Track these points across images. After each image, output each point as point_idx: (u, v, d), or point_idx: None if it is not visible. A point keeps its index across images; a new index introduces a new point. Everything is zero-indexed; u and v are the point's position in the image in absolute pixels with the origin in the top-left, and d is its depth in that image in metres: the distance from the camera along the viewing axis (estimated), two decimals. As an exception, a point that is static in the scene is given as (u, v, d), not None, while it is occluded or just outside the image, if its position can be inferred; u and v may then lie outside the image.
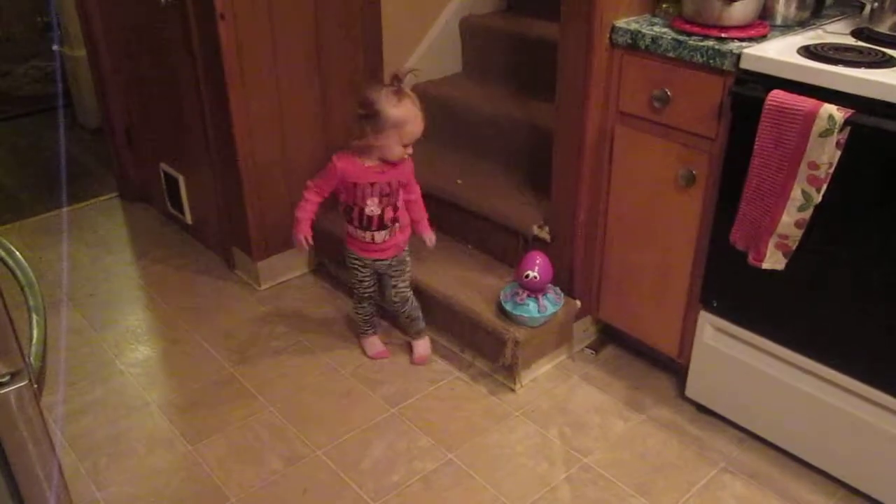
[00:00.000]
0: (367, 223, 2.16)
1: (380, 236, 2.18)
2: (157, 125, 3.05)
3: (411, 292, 2.34)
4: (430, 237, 2.32)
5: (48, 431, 0.98)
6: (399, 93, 2.03)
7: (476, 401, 2.23)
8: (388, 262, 2.25)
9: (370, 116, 2.02)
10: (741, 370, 1.99)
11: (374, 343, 2.43)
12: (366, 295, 2.34)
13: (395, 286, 2.28)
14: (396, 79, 2.04)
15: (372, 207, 2.13)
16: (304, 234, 2.20)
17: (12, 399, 0.92)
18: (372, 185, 2.11)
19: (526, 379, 2.28)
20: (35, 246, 3.07)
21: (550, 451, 2.05)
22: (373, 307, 2.40)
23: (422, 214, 2.29)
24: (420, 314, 2.36)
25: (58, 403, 2.24)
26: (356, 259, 2.26)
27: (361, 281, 2.30)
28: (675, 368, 2.26)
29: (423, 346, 2.40)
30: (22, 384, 0.92)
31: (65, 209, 3.36)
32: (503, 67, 2.88)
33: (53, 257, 3.00)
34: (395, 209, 2.17)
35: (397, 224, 2.20)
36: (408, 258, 2.29)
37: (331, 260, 2.82)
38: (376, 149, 2.07)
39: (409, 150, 2.10)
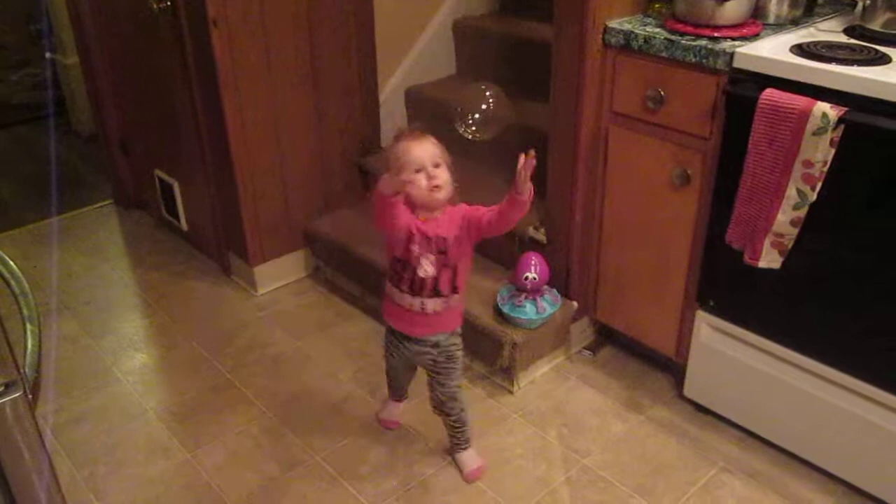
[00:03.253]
0: (419, 287, 1.76)
1: (431, 305, 1.77)
2: (152, 132, 3.04)
3: (461, 391, 1.94)
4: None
5: (44, 441, 0.98)
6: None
7: (474, 403, 2.23)
8: (431, 355, 1.86)
9: (387, 167, 1.73)
10: (739, 369, 1.99)
11: (392, 408, 2.14)
12: (393, 375, 2.05)
13: (442, 384, 1.91)
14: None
15: (426, 267, 1.73)
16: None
17: (7, 410, 0.92)
18: (427, 238, 1.71)
19: (524, 381, 2.28)
20: (30, 254, 3.07)
21: (549, 453, 2.05)
22: (406, 381, 2.08)
23: (499, 207, 1.71)
24: (469, 418, 1.98)
25: (55, 412, 2.23)
26: (390, 334, 1.92)
27: (392, 363, 1.99)
28: (673, 368, 2.26)
29: (471, 457, 2.00)
30: (17, 395, 0.92)
31: (59, 217, 3.35)
32: (497, 69, 2.88)
33: (48, 265, 2.99)
34: (455, 274, 1.76)
35: (456, 296, 1.80)
36: (459, 353, 1.89)
37: (327, 264, 2.82)
38: (409, 196, 1.70)
39: (436, 181, 1.69)
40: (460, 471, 1.99)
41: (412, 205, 1.72)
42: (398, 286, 1.77)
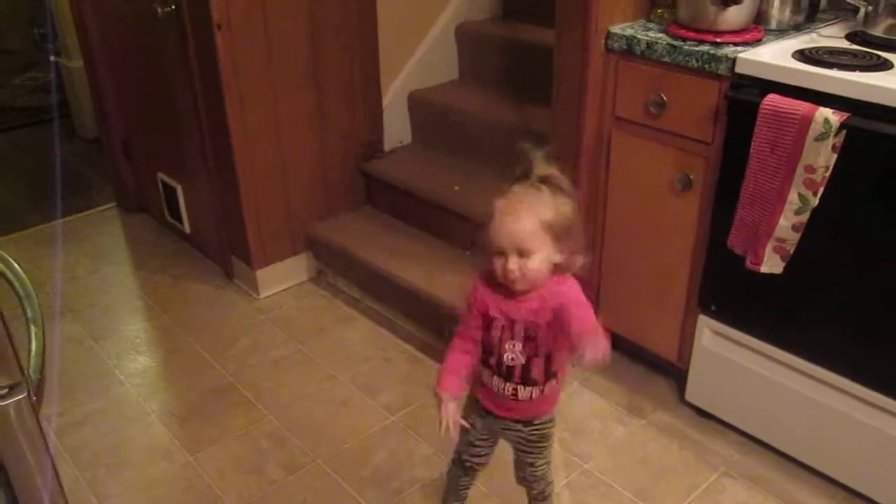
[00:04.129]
0: (507, 373, 1.47)
1: (523, 393, 1.49)
2: (155, 135, 3.05)
3: (549, 470, 1.68)
4: (590, 355, 1.34)
5: (47, 443, 0.98)
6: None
7: (476, 407, 2.23)
8: (521, 433, 1.58)
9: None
10: (741, 374, 1.99)
11: None
12: (469, 464, 1.68)
13: (531, 464, 1.64)
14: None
15: (511, 355, 1.45)
16: (445, 395, 1.47)
17: (11, 412, 0.92)
18: (512, 321, 1.42)
19: (525, 385, 2.28)
20: (33, 257, 3.07)
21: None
22: (473, 479, 1.75)
23: (579, 322, 1.38)
24: (552, 492, 1.73)
25: (57, 414, 2.23)
26: (476, 406, 1.59)
27: (473, 444, 1.63)
28: (674, 373, 2.26)
29: None
30: (20, 397, 0.92)
31: (63, 220, 3.35)
32: (499, 73, 2.89)
33: (52, 268, 3.00)
34: (550, 361, 1.46)
35: (553, 382, 1.51)
36: (552, 430, 1.61)
37: (329, 267, 2.82)
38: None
39: (512, 273, 1.35)
40: None
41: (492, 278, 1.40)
42: (487, 365, 1.50)
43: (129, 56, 2.98)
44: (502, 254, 1.36)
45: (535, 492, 1.73)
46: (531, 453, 1.62)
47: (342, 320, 2.63)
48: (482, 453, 1.66)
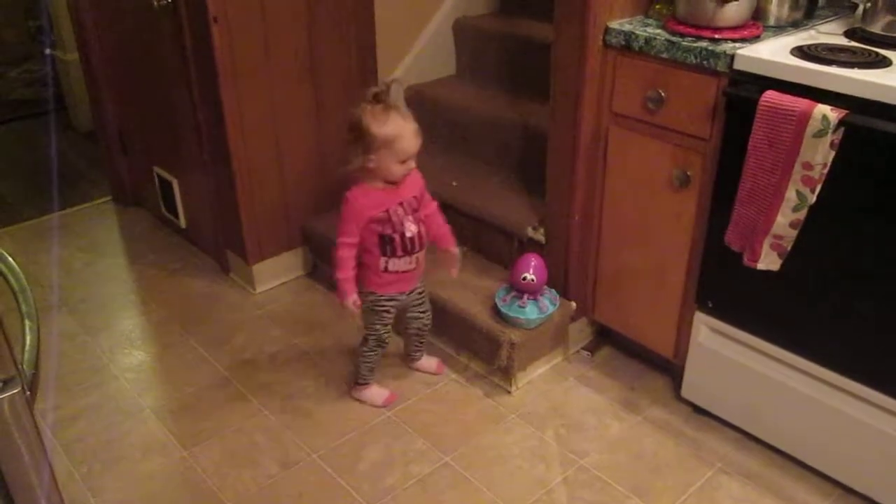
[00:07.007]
0: (411, 246, 1.99)
1: (422, 256, 2.04)
2: (151, 128, 3.04)
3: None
4: (456, 251, 2.12)
5: (41, 438, 0.98)
6: (386, 109, 1.87)
7: (472, 403, 2.23)
8: (417, 290, 2.13)
9: (359, 139, 1.88)
10: (737, 371, 1.99)
11: (379, 391, 2.23)
12: (387, 339, 2.16)
13: (425, 311, 2.20)
14: (379, 95, 1.88)
15: (411, 227, 1.97)
16: (352, 297, 2.00)
17: (5, 406, 0.91)
18: (401, 204, 1.95)
19: (522, 381, 2.28)
20: (28, 250, 3.06)
21: (546, 453, 2.05)
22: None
23: (445, 227, 2.10)
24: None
25: (52, 409, 2.22)
26: (388, 301, 2.08)
27: (388, 325, 2.13)
28: (670, 369, 2.26)
29: (430, 358, 2.35)
30: (15, 391, 0.91)
31: (58, 213, 3.35)
32: (497, 69, 2.88)
33: (47, 262, 2.99)
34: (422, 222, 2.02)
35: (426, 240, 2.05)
36: None
37: (325, 262, 2.81)
38: (375, 171, 1.91)
39: (411, 165, 1.93)
40: (430, 371, 2.33)
41: (371, 180, 1.93)
42: (394, 255, 1.98)
43: (125, 49, 2.97)
44: (407, 158, 1.89)
45: (427, 329, 2.24)
46: (425, 302, 2.18)
47: (338, 315, 2.62)
48: (391, 329, 2.15)
